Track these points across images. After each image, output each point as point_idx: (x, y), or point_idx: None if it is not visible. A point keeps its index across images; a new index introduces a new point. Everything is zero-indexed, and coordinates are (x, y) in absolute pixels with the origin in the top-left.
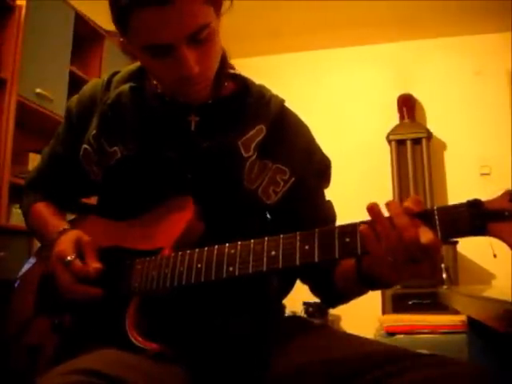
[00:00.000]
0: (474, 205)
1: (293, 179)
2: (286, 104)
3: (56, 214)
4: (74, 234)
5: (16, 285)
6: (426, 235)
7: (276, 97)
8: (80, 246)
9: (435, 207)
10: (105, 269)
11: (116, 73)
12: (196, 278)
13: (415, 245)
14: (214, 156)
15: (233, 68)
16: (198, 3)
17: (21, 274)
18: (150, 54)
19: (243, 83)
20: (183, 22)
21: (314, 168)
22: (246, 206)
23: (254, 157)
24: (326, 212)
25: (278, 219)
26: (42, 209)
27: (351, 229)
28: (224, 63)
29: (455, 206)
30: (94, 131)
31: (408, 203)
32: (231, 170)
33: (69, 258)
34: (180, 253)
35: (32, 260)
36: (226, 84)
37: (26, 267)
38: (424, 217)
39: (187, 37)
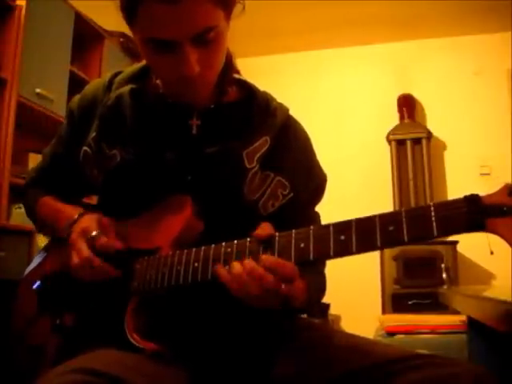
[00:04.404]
0: (472, 200)
1: (291, 194)
2: (290, 111)
3: (67, 203)
4: (95, 215)
5: (21, 284)
6: (268, 260)
7: (281, 106)
8: (102, 225)
9: (432, 203)
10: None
11: (118, 73)
12: (193, 277)
13: (258, 271)
14: (216, 163)
15: (238, 72)
16: (208, 5)
17: (26, 273)
18: (152, 48)
19: (248, 90)
20: (190, 22)
21: (311, 184)
22: (243, 213)
23: (257, 168)
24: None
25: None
26: (52, 200)
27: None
28: (229, 67)
29: (452, 202)
30: (94, 133)
31: (257, 231)
32: (232, 180)
33: (94, 233)
34: (177, 252)
35: (37, 259)
36: (230, 89)
37: (31, 267)
38: (268, 243)
39: (192, 36)
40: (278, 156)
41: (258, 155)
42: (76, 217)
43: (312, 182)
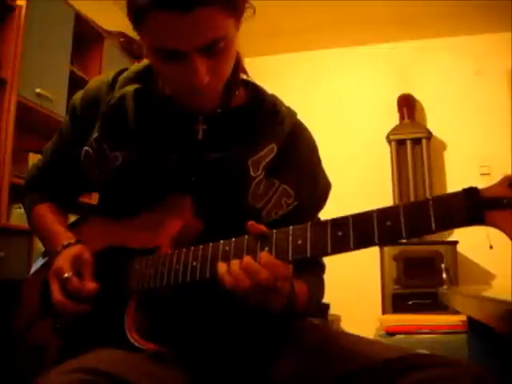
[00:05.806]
0: (471, 193)
1: (295, 203)
2: (298, 116)
3: (59, 220)
4: (75, 250)
5: (24, 285)
6: (264, 258)
7: (289, 112)
8: (79, 263)
9: (430, 197)
10: (104, 271)
11: (122, 71)
12: (191, 276)
13: (253, 267)
14: (220, 169)
15: (245, 73)
16: (218, 15)
17: (30, 273)
18: (160, 56)
19: (256, 93)
20: (199, 33)
21: (315, 192)
22: (246, 219)
23: (262, 176)
24: None
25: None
26: (45, 214)
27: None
28: (237, 69)
29: (451, 195)
30: (97, 134)
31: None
32: (236, 187)
33: (66, 274)
34: (176, 251)
35: (41, 260)
36: (237, 93)
37: (35, 267)
38: (265, 239)
39: (201, 47)
40: (284, 164)
41: (263, 163)
42: (59, 249)
43: (316, 189)
